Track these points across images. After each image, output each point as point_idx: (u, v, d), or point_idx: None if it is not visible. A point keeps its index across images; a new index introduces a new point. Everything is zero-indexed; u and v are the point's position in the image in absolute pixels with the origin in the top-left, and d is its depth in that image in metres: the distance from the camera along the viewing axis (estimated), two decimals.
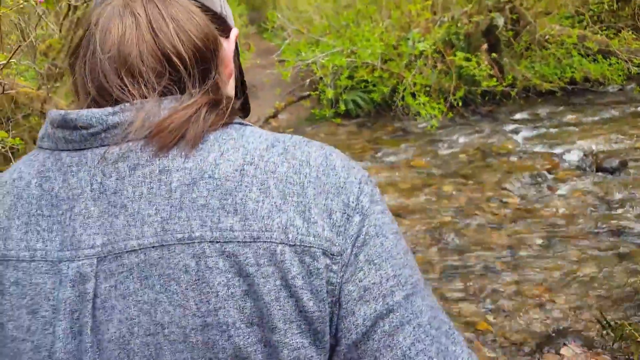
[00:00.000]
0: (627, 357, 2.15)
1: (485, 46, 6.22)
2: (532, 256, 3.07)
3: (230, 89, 0.61)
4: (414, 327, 0.46)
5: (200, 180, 0.47)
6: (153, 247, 0.45)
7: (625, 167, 4.01)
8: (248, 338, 0.43)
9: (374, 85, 6.36)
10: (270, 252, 0.43)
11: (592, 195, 3.72)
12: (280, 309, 0.43)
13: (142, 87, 0.50)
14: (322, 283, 0.44)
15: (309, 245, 0.44)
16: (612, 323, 2.00)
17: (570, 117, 5.28)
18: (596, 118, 5.14)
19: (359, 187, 0.48)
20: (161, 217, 0.46)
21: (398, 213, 3.74)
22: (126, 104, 0.49)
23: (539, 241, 3.22)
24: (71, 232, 0.48)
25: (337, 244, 0.45)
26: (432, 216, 3.66)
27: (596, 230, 3.26)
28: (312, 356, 0.44)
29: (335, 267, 0.44)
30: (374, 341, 0.44)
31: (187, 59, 0.51)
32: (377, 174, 4.53)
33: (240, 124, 0.52)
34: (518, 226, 3.44)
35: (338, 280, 0.44)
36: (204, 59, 0.53)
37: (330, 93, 6.17)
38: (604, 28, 6.00)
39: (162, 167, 0.48)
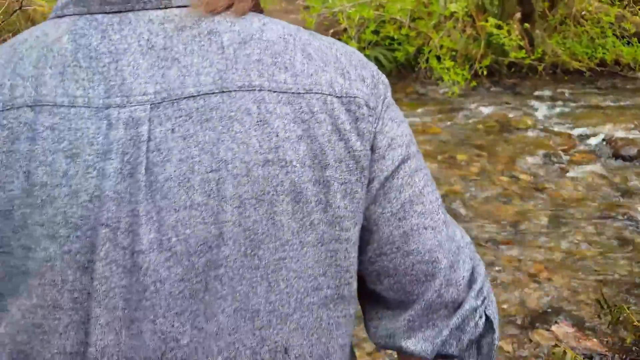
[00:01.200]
0: (615, 340, 2.22)
1: (518, 15, 6.03)
2: (536, 234, 3.10)
3: None
4: (424, 174, 0.56)
5: (251, 40, 0.50)
6: (213, 93, 0.47)
7: None
8: (302, 176, 0.48)
9: (399, 44, 6.22)
10: (322, 102, 0.49)
11: (605, 180, 3.71)
12: (332, 149, 0.49)
13: None
14: (366, 126, 0.51)
15: (354, 96, 0.51)
16: (610, 304, 2.04)
17: (594, 99, 5.18)
18: (621, 103, 5.04)
19: (375, 70, 0.56)
20: (217, 69, 0.48)
21: None
22: None
23: (545, 220, 3.24)
24: (119, 81, 0.47)
25: (372, 100, 0.52)
26: (442, 183, 3.67)
27: (604, 216, 3.28)
28: (356, 191, 0.50)
29: (371, 118, 0.52)
30: (399, 179, 0.53)
31: None
32: None
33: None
34: (526, 203, 3.46)
35: (373, 129, 0.52)
36: None
37: (353, 46, 6.06)
38: None
39: (210, 29, 0.50)
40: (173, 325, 0.46)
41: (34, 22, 4.74)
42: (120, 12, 0.49)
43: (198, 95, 0.47)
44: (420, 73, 6.08)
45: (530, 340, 2.32)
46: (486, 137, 4.56)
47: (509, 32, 5.46)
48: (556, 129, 4.58)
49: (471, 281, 0.54)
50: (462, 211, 3.33)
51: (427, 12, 6.15)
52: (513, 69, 5.80)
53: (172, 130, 0.47)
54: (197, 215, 0.46)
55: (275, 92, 0.49)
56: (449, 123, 4.89)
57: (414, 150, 0.55)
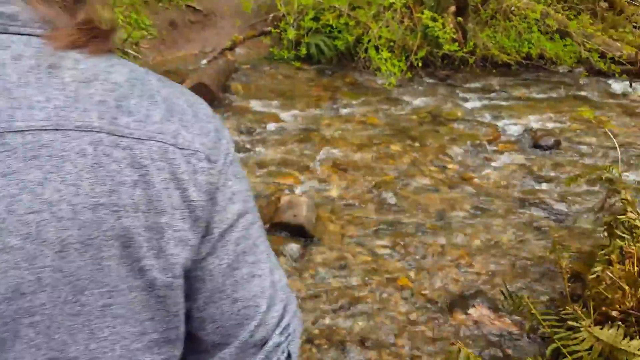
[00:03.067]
0: (525, 320, 2.43)
1: (453, 8, 6.24)
2: (460, 221, 3.30)
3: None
4: (259, 225, 0.59)
5: (95, 80, 0.48)
6: (44, 129, 0.45)
7: (558, 146, 4.27)
8: (134, 221, 0.48)
9: (339, 32, 6.30)
10: (163, 150, 0.50)
11: (524, 169, 3.97)
12: (169, 197, 0.50)
13: None
14: (205, 179, 0.52)
15: (195, 150, 0.52)
16: (512, 294, 2.24)
17: (519, 91, 5.49)
18: (542, 96, 5.37)
19: (220, 125, 0.59)
20: (54, 105, 0.46)
21: (344, 167, 3.87)
22: None
23: (468, 208, 3.45)
24: None
25: (214, 155, 0.54)
26: (375, 173, 3.81)
27: (521, 203, 3.52)
28: (190, 238, 0.52)
29: (213, 172, 0.53)
30: (237, 231, 0.56)
31: None
32: (331, 125, 4.61)
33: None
34: (452, 192, 3.66)
35: (215, 182, 0.53)
36: None
37: (291, 34, 6.07)
38: (566, 8, 6.14)
39: (51, 62, 0.47)
40: None
41: None
42: None
43: (27, 130, 0.45)
44: (359, 63, 6.19)
45: (450, 323, 2.50)
46: (419, 127, 4.74)
47: (443, 25, 5.66)
48: (483, 119, 4.83)
49: (280, 319, 0.59)
50: (394, 200, 3.48)
51: (367, 2, 6.25)
52: (446, 61, 6.02)
53: None
54: (10, 259, 0.44)
55: (115, 135, 0.48)
56: (385, 113, 5.04)
57: (251, 205, 0.58)
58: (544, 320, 1.97)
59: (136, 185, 0.48)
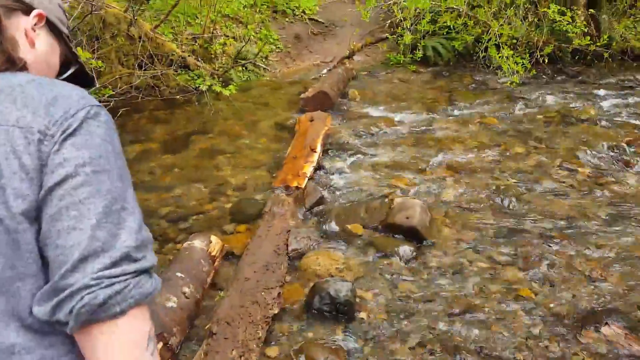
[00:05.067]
0: None
1: (584, 0, 5.73)
2: (592, 230, 2.99)
3: (35, 55, 0.87)
4: (94, 189, 0.71)
5: None
6: None
7: None
8: None
9: (457, 33, 6.09)
10: (5, 132, 0.71)
11: None
12: (8, 165, 0.70)
13: None
14: (38, 148, 0.71)
15: (31, 127, 0.72)
16: None
17: None
18: None
19: (79, 109, 0.75)
20: None
21: (459, 170, 3.72)
22: None
23: (603, 216, 3.12)
24: None
25: (50, 130, 0.72)
26: (495, 177, 3.61)
27: None
28: (27, 194, 0.70)
29: (46, 143, 0.71)
30: (61, 189, 0.70)
31: None
32: (446, 127, 4.46)
33: (21, 71, 0.81)
34: (583, 198, 3.34)
35: (47, 150, 0.71)
36: None
37: (408, 38, 6.00)
38: None
39: None
40: None
41: (105, 24, 5.06)
42: None
43: None
44: (478, 62, 5.92)
45: (579, 341, 2.27)
46: (545, 128, 4.40)
47: (572, 18, 5.21)
48: (621, 119, 4.35)
49: (98, 271, 0.69)
50: (516, 205, 3.26)
51: (487, 0, 5.98)
52: (577, 56, 5.54)
53: None
54: None
55: None
56: (506, 114, 4.76)
57: (87, 170, 0.72)
58: None
59: None
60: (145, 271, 0.73)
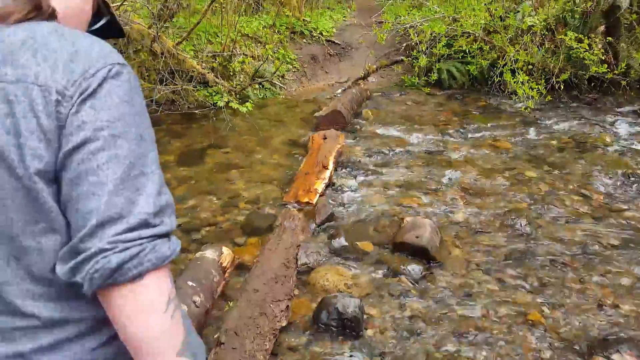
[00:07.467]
0: None
1: (602, 28, 5.76)
2: (604, 257, 2.96)
3: (67, 2, 0.82)
4: (113, 154, 0.70)
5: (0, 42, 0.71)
6: None
7: None
8: (6, 141, 0.68)
9: (472, 57, 6.14)
10: (25, 88, 0.69)
11: None
12: (26, 123, 0.68)
13: None
14: (56, 109, 0.69)
15: (50, 86, 0.69)
16: None
17: None
18: None
19: (99, 68, 0.72)
20: None
21: (471, 192, 3.72)
22: None
23: (615, 243, 3.09)
24: None
25: (70, 90, 0.70)
26: (507, 200, 3.60)
27: None
28: (43, 155, 0.69)
29: (65, 104, 0.69)
30: (81, 153, 0.69)
31: None
32: (459, 149, 4.47)
33: (49, 20, 0.77)
34: (596, 224, 3.31)
35: (65, 112, 0.69)
36: None
37: (423, 61, 6.06)
38: None
39: None
40: None
41: (129, 39, 5.19)
42: None
43: None
44: (493, 87, 5.95)
45: None
46: (559, 153, 4.39)
47: (590, 45, 5.23)
48: (637, 147, 4.32)
49: (112, 234, 0.69)
50: (528, 229, 3.24)
51: (503, 26, 6.03)
52: (593, 84, 5.54)
53: None
54: None
55: None
56: (520, 138, 4.76)
57: (105, 134, 0.70)
58: None
59: (7, 116, 0.69)
60: (163, 235, 0.72)
